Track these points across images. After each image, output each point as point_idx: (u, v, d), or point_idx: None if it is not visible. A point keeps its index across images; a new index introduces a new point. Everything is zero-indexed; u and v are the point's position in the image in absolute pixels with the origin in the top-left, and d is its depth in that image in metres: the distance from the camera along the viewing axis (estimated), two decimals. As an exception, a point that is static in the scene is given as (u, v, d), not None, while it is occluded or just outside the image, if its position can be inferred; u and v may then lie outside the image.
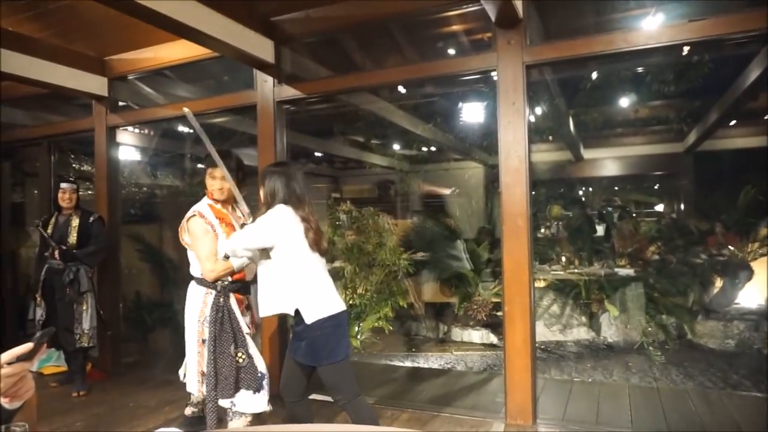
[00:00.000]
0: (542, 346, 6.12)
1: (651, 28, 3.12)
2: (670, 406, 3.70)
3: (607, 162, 9.67)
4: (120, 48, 4.64)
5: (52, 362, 4.73)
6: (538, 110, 6.82)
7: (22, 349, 1.08)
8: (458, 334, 6.79)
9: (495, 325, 6.71)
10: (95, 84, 4.73)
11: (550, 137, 8.49)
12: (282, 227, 2.39)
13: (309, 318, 2.36)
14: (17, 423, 1.10)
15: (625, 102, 7.31)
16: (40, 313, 4.23)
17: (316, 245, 2.45)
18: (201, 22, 3.31)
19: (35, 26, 4.10)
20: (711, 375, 5.08)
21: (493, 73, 3.51)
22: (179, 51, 4.41)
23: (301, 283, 2.40)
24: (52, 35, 4.26)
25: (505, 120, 3.32)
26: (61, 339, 4.15)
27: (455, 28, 4.35)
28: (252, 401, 2.58)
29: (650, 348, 5.60)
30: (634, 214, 8.50)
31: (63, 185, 4.30)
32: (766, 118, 7.63)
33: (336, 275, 6.05)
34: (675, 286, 6.11)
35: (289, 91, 4.03)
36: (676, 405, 3.75)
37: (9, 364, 1.07)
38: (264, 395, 2.62)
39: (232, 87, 5.06)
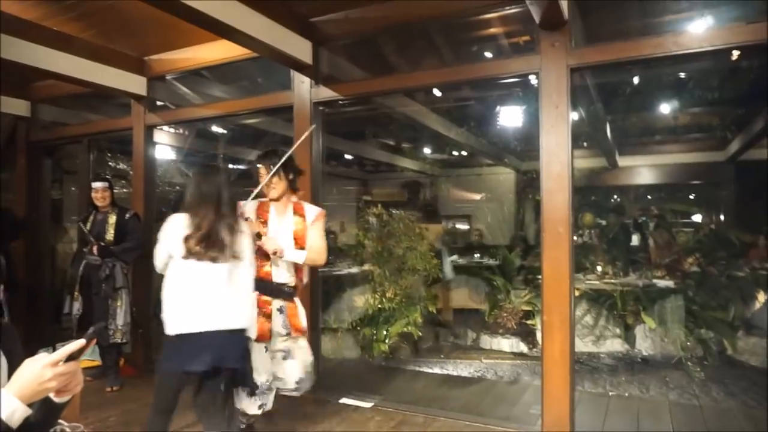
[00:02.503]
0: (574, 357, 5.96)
1: (703, 30, 3.00)
2: (715, 425, 3.54)
3: (643, 170, 9.41)
4: (159, 48, 4.70)
5: (87, 356, 4.79)
6: (575, 115, 6.67)
7: (75, 347, 1.08)
8: (487, 341, 6.67)
9: (525, 333, 6.58)
10: (135, 83, 4.80)
11: (585, 143, 8.31)
12: (164, 235, 2.49)
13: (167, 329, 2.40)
14: (72, 424, 1.09)
15: (665, 108, 7.10)
16: (77, 307, 4.30)
17: (192, 253, 2.37)
18: (241, 22, 3.32)
19: (79, 26, 4.19)
20: (754, 394, 4.85)
21: (532, 77, 3.43)
22: (217, 51, 4.44)
23: (167, 293, 2.42)
24: (94, 35, 4.34)
25: (547, 124, 3.23)
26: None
27: (494, 30, 4.27)
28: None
29: (689, 363, 5.40)
30: (671, 224, 8.25)
31: (95, 184, 4.36)
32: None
33: (365, 278, 6.03)
34: (715, 300, 5.89)
35: (325, 93, 4.02)
36: (721, 424, 3.59)
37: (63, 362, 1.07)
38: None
39: (267, 88, 5.08)
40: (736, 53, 3.56)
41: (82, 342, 1.08)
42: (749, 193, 8.05)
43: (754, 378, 5.29)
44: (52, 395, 1.10)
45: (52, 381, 1.05)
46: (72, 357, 1.07)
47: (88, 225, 4.31)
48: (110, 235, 4.26)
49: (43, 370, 1.04)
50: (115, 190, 4.55)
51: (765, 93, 5.84)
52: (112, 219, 4.31)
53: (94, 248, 4.18)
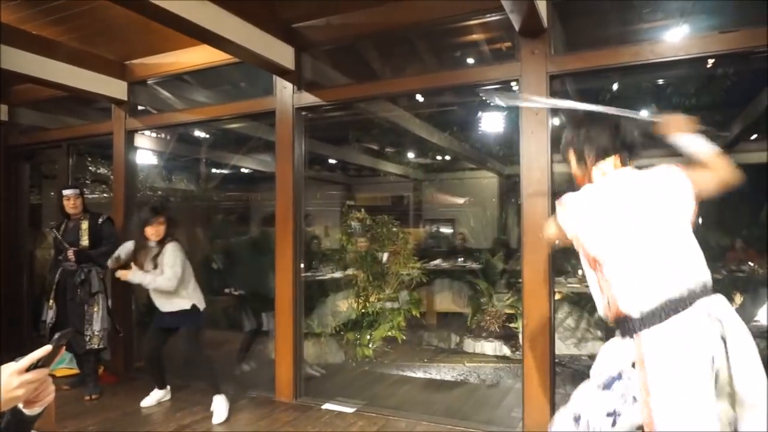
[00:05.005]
0: (556, 360, 6.01)
1: (679, 39, 3.07)
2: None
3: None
4: (140, 52, 4.67)
5: (65, 365, 4.73)
6: (556, 120, 6.75)
7: (41, 353, 1.06)
8: (470, 345, 6.71)
9: (508, 336, 6.63)
10: (115, 88, 4.76)
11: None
12: None
13: None
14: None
15: (644, 114, 7.21)
16: (51, 315, 4.24)
17: None
18: (223, 28, 3.32)
19: (58, 30, 4.14)
20: (731, 394, 4.95)
21: (514, 84, 3.48)
22: (199, 56, 4.42)
23: None
24: (74, 39, 4.30)
25: (527, 130, 3.28)
26: (71, 341, 4.15)
27: (475, 37, 4.32)
28: None
29: (668, 364, 5.48)
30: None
31: (66, 192, 4.30)
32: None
33: (349, 283, 6.03)
34: (694, 302, 5.98)
35: (308, 98, 4.02)
36: (698, 425, 3.65)
37: (29, 369, 1.05)
38: None
39: (250, 93, 5.07)
40: (710, 61, 3.64)
41: (47, 348, 1.06)
42: (726, 197, 8.19)
43: (731, 379, 5.38)
44: (21, 407, 1.08)
45: (19, 389, 1.02)
46: (42, 364, 1.05)
47: (61, 233, 4.26)
48: (85, 241, 4.22)
49: (9, 379, 1.01)
50: (95, 195, 4.51)
51: (739, 100, 5.98)
52: (85, 225, 4.27)
53: (70, 254, 4.14)
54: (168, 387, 4.14)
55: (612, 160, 1.90)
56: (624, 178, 1.84)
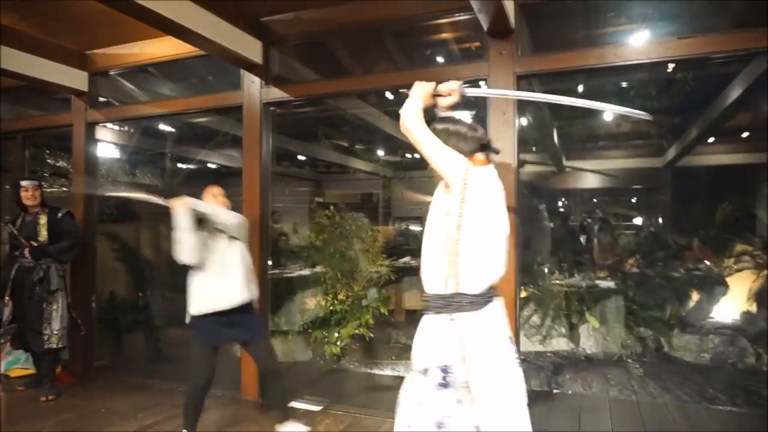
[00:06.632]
0: (521, 356, 6.10)
1: (641, 44, 3.15)
2: (650, 420, 3.72)
3: (588, 174, 9.77)
4: (102, 42, 4.54)
5: (20, 364, 4.57)
6: (524, 121, 6.84)
7: None
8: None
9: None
10: (75, 78, 4.62)
11: (534, 148, 8.54)
12: None
13: None
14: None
15: (608, 115, 7.39)
16: (7, 313, 4.09)
17: None
18: (189, 20, 3.25)
19: (15, 16, 3.98)
20: (687, 389, 5.11)
21: (481, 83, 3.51)
22: (164, 48, 4.33)
23: None
24: (31, 26, 4.15)
25: (494, 130, 3.32)
26: (28, 340, 4.01)
27: (445, 36, 4.34)
28: None
29: (629, 360, 5.63)
30: (613, 227, 8.58)
31: (24, 183, 4.16)
32: (743, 136, 7.80)
33: (317, 280, 6.00)
34: (653, 299, 6.17)
35: (276, 93, 3.98)
36: (655, 418, 3.78)
37: None
38: None
39: (216, 87, 4.98)
40: (671, 66, 3.75)
41: None
42: (685, 197, 8.50)
43: (687, 373, 5.58)
44: None
45: None
46: None
47: (17, 227, 4.11)
48: (43, 236, 4.08)
49: None
50: (54, 189, 4.37)
51: (698, 104, 6.19)
52: (43, 219, 4.12)
53: (26, 250, 3.99)
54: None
55: (482, 157, 2.14)
56: (491, 173, 2.13)
